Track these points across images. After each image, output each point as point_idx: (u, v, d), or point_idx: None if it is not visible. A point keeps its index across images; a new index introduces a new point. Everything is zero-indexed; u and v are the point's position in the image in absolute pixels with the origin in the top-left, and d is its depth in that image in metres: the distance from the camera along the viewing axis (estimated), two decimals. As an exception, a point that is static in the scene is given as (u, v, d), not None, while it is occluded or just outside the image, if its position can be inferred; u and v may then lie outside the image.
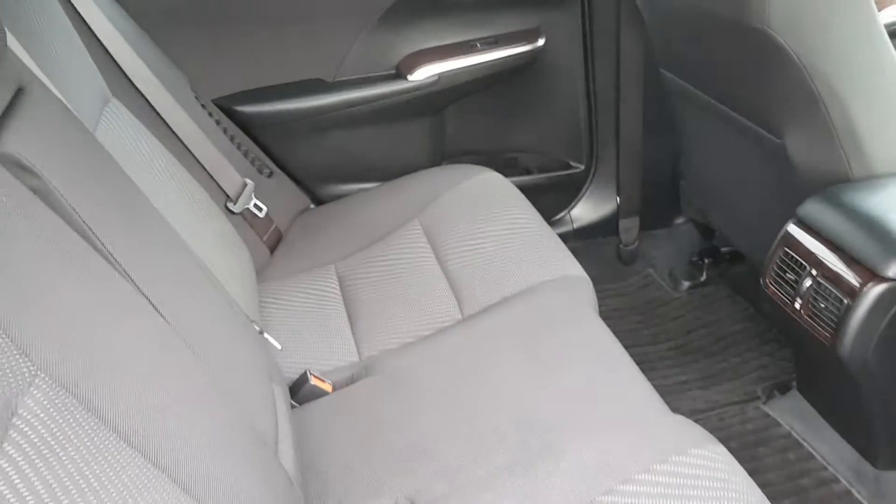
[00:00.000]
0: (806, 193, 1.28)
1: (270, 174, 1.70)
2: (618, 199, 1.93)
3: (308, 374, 1.25)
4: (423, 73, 1.70)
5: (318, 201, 1.80)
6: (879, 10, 1.70)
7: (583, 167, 1.92)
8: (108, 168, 0.93)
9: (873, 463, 1.34)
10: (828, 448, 1.42)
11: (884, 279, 1.11)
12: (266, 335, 1.30)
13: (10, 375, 0.63)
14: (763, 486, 0.95)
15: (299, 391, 1.24)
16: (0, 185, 0.70)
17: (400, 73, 1.71)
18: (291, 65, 1.66)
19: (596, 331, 1.22)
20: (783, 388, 1.57)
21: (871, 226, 1.17)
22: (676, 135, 1.73)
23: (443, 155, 1.77)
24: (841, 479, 1.38)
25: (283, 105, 1.67)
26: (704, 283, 1.92)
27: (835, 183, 1.26)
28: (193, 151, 1.46)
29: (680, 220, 2.01)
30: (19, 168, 0.75)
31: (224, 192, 1.52)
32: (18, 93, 0.83)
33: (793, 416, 1.51)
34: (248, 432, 0.93)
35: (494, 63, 1.73)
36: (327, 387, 1.26)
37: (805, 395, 1.51)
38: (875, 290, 1.11)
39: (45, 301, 0.71)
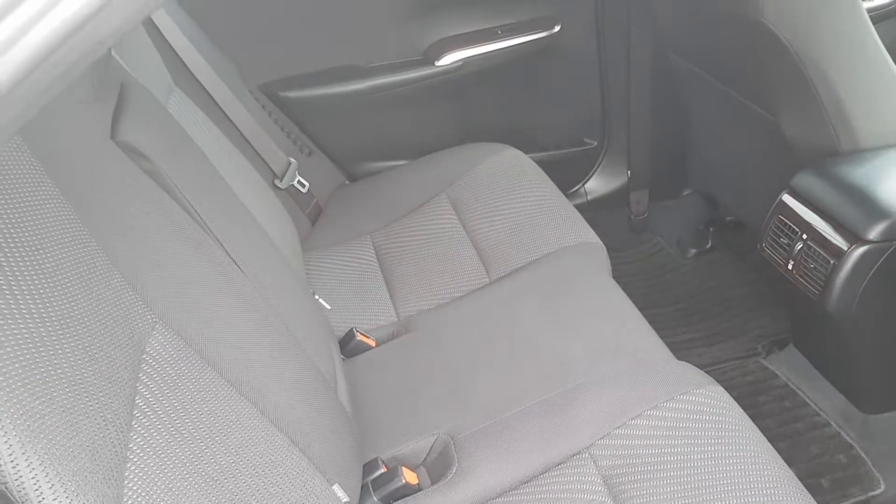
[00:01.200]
0: (798, 166, 1.42)
1: (310, 153, 1.85)
2: (629, 172, 2.06)
3: (354, 330, 1.42)
4: (450, 59, 1.83)
5: (353, 178, 1.94)
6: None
7: (596, 143, 2.05)
8: (196, 152, 1.08)
9: (860, 407, 1.49)
10: (820, 396, 1.57)
11: (866, 241, 1.25)
12: (317, 297, 1.46)
13: (137, 322, 0.79)
14: (761, 429, 1.08)
15: (347, 346, 1.40)
16: (122, 168, 0.86)
17: (428, 59, 1.84)
18: (328, 52, 1.80)
19: (610, 291, 1.37)
20: (781, 345, 1.73)
21: (855, 194, 1.31)
22: (683, 113, 1.87)
23: (467, 133, 1.90)
24: (832, 423, 1.53)
25: (321, 90, 1.81)
26: (709, 250, 2.06)
27: (825, 156, 1.40)
28: (245, 134, 1.62)
29: (687, 192, 2.14)
30: (136, 154, 0.90)
31: (272, 170, 1.67)
32: (122, 90, 0.98)
33: (789, 368, 1.66)
34: (316, 374, 1.09)
35: (514, 48, 1.86)
36: (371, 342, 1.42)
37: (800, 349, 1.66)
38: (858, 252, 1.26)
39: (162, 263, 0.87)
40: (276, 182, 1.68)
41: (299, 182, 1.72)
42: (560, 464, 1.09)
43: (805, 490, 0.98)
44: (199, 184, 1.02)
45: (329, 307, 1.46)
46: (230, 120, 1.58)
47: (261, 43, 1.75)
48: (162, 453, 0.72)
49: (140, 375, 0.77)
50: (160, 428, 0.74)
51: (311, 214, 1.77)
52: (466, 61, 1.84)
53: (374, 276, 1.59)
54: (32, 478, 0.53)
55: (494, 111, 1.96)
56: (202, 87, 1.53)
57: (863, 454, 1.46)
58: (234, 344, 0.94)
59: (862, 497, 1.40)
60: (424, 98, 1.88)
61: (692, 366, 1.19)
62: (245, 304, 0.99)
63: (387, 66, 1.84)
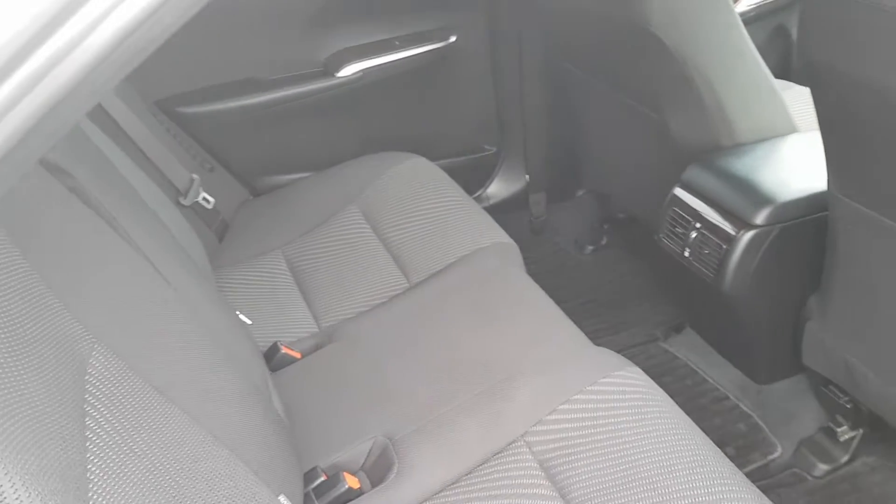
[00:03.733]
0: (687, 161, 1.53)
1: (212, 169, 1.82)
2: (527, 176, 2.15)
3: (278, 344, 1.41)
4: (350, 70, 1.85)
5: (256, 192, 1.93)
6: (736, 1, 2.01)
7: (495, 149, 2.13)
8: (111, 169, 1.06)
9: (755, 379, 1.62)
10: (718, 372, 1.70)
11: (753, 226, 1.37)
12: (237, 313, 1.44)
13: (77, 343, 0.78)
14: (670, 407, 1.16)
15: (272, 360, 1.39)
16: (48, 187, 0.83)
17: (328, 71, 1.86)
18: (226, 66, 1.78)
19: (527, 286, 1.44)
20: (678, 329, 1.85)
21: (740, 184, 1.44)
22: (575, 117, 1.97)
23: (369, 144, 1.92)
24: (730, 396, 1.66)
25: (219, 104, 1.78)
26: (605, 246, 2.18)
27: (710, 151, 1.52)
28: (145, 151, 1.57)
29: (581, 193, 2.25)
30: (60, 172, 0.87)
31: (175, 187, 1.63)
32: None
33: (688, 349, 1.79)
34: (251, 386, 1.09)
35: (412, 59, 1.90)
36: (296, 354, 1.41)
37: (696, 330, 1.79)
38: (747, 236, 1.38)
39: (94, 282, 0.85)
40: (181, 199, 1.64)
41: (204, 199, 1.69)
42: (497, 454, 1.13)
43: (722, 454, 1.07)
44: (120, 200, 1.00)
45: (250, 322, 1.45)
46: (129, 137, 1.54)
47: (156, 58, 1.70)
48: (119, 472, 0.71)
49: (86, 396, 0.75)
50: (113, 447, 0.73)
51: (217, 231, 1.74)
52: (366, 72, 1.87)
53: (290, 289, 1.58)
54: (16, 499, 0.52)
55: (395, 121, 2.00)
56: (99, 104, 1.48)
57: (760, 422, 1.59)
58: (170, 360, 0.93)
59: (762, 461, 1.52)
60: (325, 110, 1.89)
61: (611, 350, 1.26)
62: (178, 320, 0.97)
63: (286, 78, 1.84)
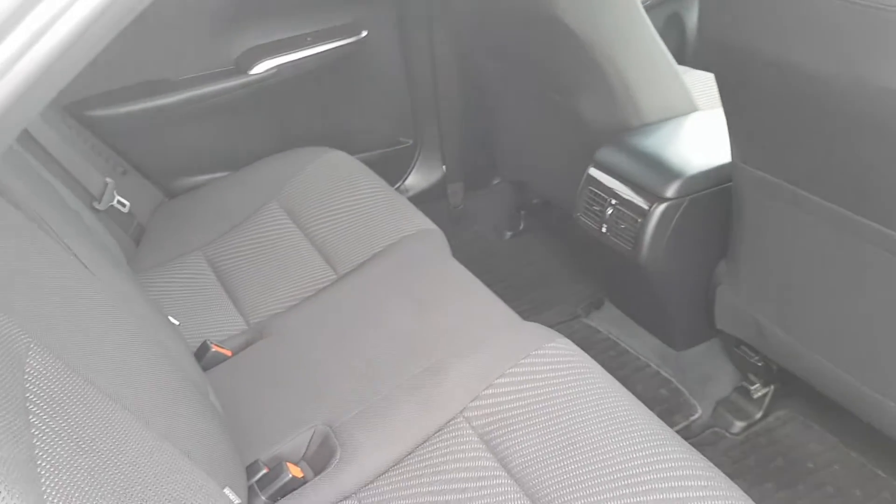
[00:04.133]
0: (599, 143, 1.60)
1: (125, 172, 1.78)
2: (444, 167, 2.19)
3: (208, 342, 1.39)
4: (263, 67, 1.84)
5: (171, 194, 1.89)
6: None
7: (411, 141, 2.15)
8: (33, 172, 1.02)
9: (672, 346, 1.71)
10: (638, 342, 1.78)
11: (665, 199, 1.45)
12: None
13: (13, 344, 0.76)
14: (597, 378, 1.22)
15: (203, 359, 1.37)
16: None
17: (240, 69, 1.84)
18: (136, 67, 1.74)
19: (454, 269, 1.47)
20: (598, 304, 1.93)
21: (650, 161, 1.51)
22: (488, 107, 2.02)
23: (286, 140, 1.91)
24: (651, 364, 1.74)
25: (130, 106, 1.74)
26: (523, 231, 2.24)
27: (620, 132, 1.59)
28: (56, 157, 1.53)
29: (497, 181, 2.31)
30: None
31: (89, 192, 1.59)
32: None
33: (609, 323, 1.86)
34: (188, 382, 1.08)
35: (325, 54, 1.91)
36: (227, 352, 1.40)
37: (616, 305, 1.87)
38: (659, 209, 1.46)
39: (29, 283, 0.83)
40: (95, 204, 1.60)
41: (119, 202, 1.65)
42: (438, 431, 1.15)
43: (653, 413, 1.13)
44: (43, 202, 0.97)
45: (178, 323, 1.43)
46: (39, 144, 1.48)
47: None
48: (69, 465, 0.70)
49: (27, 395, 0.74)
50: (60, 443, 0.72)
51: (133, 235, 1.70)
52: (279, 69, 1.86)
53: (214, 288, 1.56)
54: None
55: (311, 116, 2.00)
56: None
57: (680, 386, 1.68)
58: (107, 357, 0.91)
59: (685, 423, 1.61)
60: (240, 108, 1.88)
61: (539, 325, 1.31)
62: (114, 318, 0.96)
63: (197, 77, 1.81)
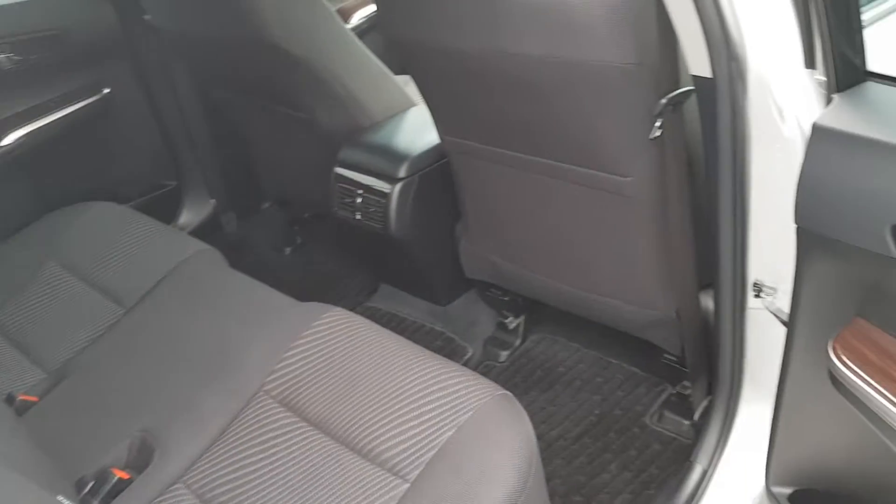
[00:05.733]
0: (340, 146, 1.85)
1: None
2: (212, 201, 2.34)
3: (13, 394, 1.46)
4: (12, 138, 1.90)
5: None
6: (348, 18, 2.39)
7: (175, 183, 2.29)
8: None
9: (438, 303, 2.00)
10: (412, 309, 2.05)
11: (399, 179, 1.73)
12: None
13: None
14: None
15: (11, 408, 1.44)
16: None
17: (-11, 142, 1.89)
18: None
19: (233, 277, 1.64)
20: (375, 288, 2.18)
21: (383, 151, 1.79)
22: (242, 137, 2.21)
23: (55, 200, 1.94)
24: (426, 324, 2.02)
25: None
26: (301, 245, 2.45)
27: (354, 133, 1.86)
28: None
29: (267, 204, 2.50)
30: None
31: None
32: None
33: (386, 300, 2.12)
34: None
35: (72, 115, 2.00)
36: (33, 398, 1.47)
37: (389, 283, 2.13)
38: (397, 188, 1.73)
39: None
40: None
41: None
42: (243, 409, 1.31)
43: (431, 352, 1.31)
44: None
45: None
46: None
47: None
48: None
49: None
50: None
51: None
52: (28, 137, 1.93)
53: (5, 348, 1.61)
54: None
55: (73, 175, 2.07)
56: None
57: (451, 335, 1.96)
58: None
59: (461, 363, 1.88)
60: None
61: (317, 302, 1.51)
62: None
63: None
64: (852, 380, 0.92)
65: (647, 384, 1.76)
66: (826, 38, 0.91)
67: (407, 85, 1.94)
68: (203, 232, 2.31)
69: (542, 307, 1.87)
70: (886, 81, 0.93)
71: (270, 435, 1.26)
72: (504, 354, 1.90)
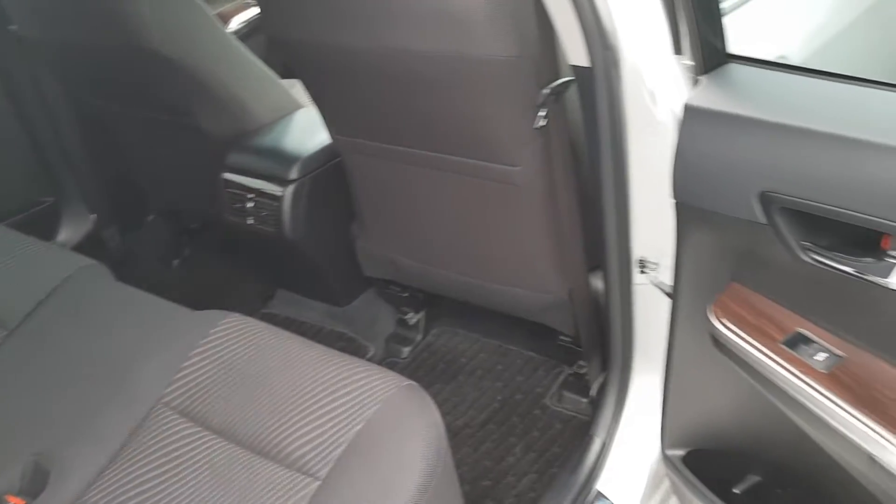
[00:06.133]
0: (227, 151, 1.82)
1: None
2: (93, 216, 2.25)
3: None
4: None
5: None
6: (227, 22, 2.36)
7: (52, 199, 2.18)
8: None
9: (337, 304, 2.00)
10: (311, 313, 2.04)
11: (291, 181, 1.72)
12: None
13: None
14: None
15: None
16: None
17: None
18: None
19: (122, 291, 1.58)
20: (271, 295, 2.16)
21: (272, 154, 1.78)
22: (123, 148, 2.13)
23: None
24: (326, 326, 2.01)
25: None
26: (189, 256, 2.39)
27: (241, 136, 1.83)
28: None
29: (151, 217, 2.42)
30: None
31: None
32: None
33: (284, 306, 2.10)
34: None
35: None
36: None
37: (286, 288, 2.11)
38: (289, 190, 1.72)
39: None
40: None
41: None
42: (141, 423, 1.28)
43: (337, 351, 1.32)
44: None
45: None
46: None
47: None
48: None
49: None
50: None
51: None
52: None
53: None
54: None
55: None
56: None
57: (353, 335, 1.97)
58: None
59: (367, 359, 1.90)
60: None
61: (215, 310, 1.48)
62: None
63: None
64: (732, 339, 0.99)
65: (546, 367, 1.82)
66: (691, 26, 0.98)
67: (293, 87, 1.94)
68: (85, 248, 2.19)
69: (442, 301, 1.90)
70: (745, 62, 1.02)
71: (173, 447, 1.23)
72: (406, 350, 1.92)
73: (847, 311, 0.91)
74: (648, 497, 1.38)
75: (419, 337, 1.94)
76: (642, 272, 1.28)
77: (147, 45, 1.64)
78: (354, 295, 1.98)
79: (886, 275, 0.83)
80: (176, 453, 1.21)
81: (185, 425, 1.26)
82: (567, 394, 1.73)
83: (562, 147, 1.34)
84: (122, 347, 1.42)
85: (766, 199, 0.90)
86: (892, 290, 0.83)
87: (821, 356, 0.92)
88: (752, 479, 1.17)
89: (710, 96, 0.98)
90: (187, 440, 1.23)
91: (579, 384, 1.71)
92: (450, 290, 1.69)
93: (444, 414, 1.75)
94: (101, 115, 2.03)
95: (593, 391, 1.62)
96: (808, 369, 0.91)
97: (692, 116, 0.97)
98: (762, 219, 0.91)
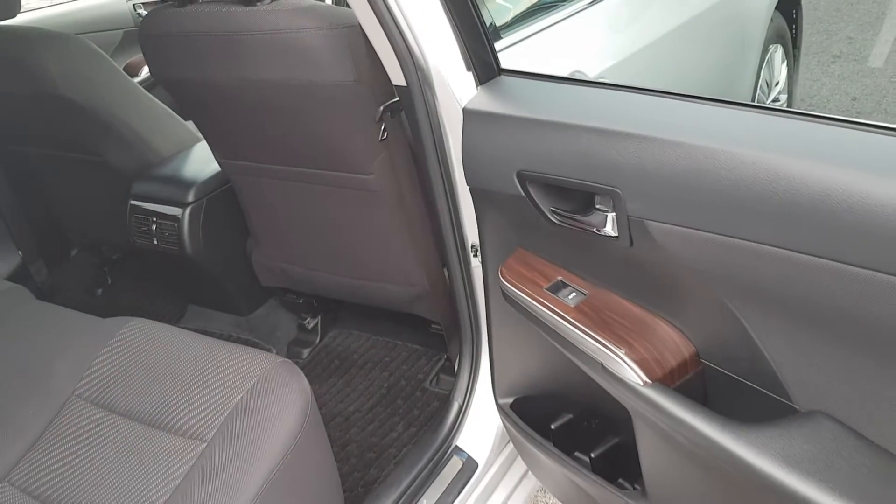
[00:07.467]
0: (133, 181, 2.05)
1: None
2: (19, 252, 2.43)
3: None
4: None
5: None
6: (137, 71, 2.58)
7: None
8: None
9: (241, 314, 2.21)
10: (216, 324, 2.25)
11: (188, 204, 1.94)
12: None
13: None
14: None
15: None
16: None
17: None
18: None
19: (40, 304, 1.78)
20: (183, 311, 2.35)
21: (172, 181, 2.00)
22: (41, 188, 2.33)
23: None
24: (233, 334, 2.22)
25: None
26: (112, 285, 2.57)
27: (146, 168, 2.06)
28: None
29: (76, 251, 2.61)
30: None
31: None
32: None
33: (193, 319, 2.30)
34: None
35: None
36: None
37: (193, 302, 2.31)
38: (187, 212, 1.95)
39: None
40: None
41: None
42: (57, 414, 1.45)
43: (226, 342, 1.49)
44: None
45: None
46: None
47: None
48: None
49: None
50: None
51: None
52: None
53: None
54: None
55: None
56: None
57: (258, 341, 2.18)
58: None
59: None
60: None
61: (124, 317, 1.67)
62: None
63: None
64: (514, 292, 1.24)
65: (427, 356, 2.05)
66: (464, 49, 1.25)
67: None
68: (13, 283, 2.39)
69: (338, 307, 2.13)
70: (514, 74, 1.28)
71: (86, 430, 1.40)
72: (306, 352, 2.14)
73: (587, 259, 1.17)
74: (498, 447, 1.61)
75: (317, 339, 2.16)
76: (476, 255, 1.52)
77: (52, 92, 1.86)
78: (257, 305, 2.20)
79: (603, 225, 1.09)
80: (88, 435, 1.38)
81: (95, 412, 1.43)
82: (443, 376, 1.97)
83: (403, 155, 1.59)
84: (39, 351, 1.60)
85: (521, 177, 1.16)
86: (607, 235, 1.09)
87: (572, 295, 1.17)
88: (566, 416, 1.41)
89: (482, 101, 1.24)
90: (98, 423, 1.40)
91: (452, 367, 1.94)
92: (334, 292, 1.92)
93: (337, 403, 1.98)
94: (23, 158, 2.24)
95: (457, 367, 1.85)
96: (562, 306, 1.16)
97: (468, 118, 1.23)
98: (522, 192, 1.17)
